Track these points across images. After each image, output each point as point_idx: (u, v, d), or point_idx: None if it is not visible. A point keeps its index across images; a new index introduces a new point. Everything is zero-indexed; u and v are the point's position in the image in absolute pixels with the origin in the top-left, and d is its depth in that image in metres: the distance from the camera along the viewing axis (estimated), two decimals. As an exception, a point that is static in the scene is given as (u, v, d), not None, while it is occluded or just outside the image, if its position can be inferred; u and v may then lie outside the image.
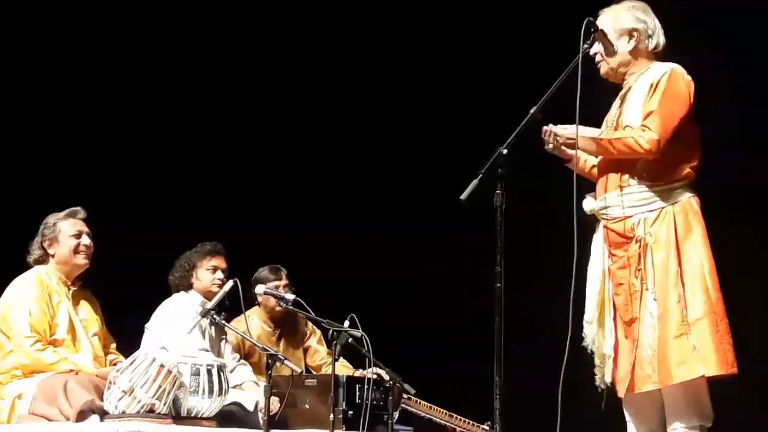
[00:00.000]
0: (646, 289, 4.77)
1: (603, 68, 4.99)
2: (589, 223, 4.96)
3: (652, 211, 4.82)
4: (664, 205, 4.83)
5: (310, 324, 6.61)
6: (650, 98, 4.83)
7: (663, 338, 4.73)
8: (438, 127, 7.62)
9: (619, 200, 4.86)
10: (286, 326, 6.60)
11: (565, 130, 4.84)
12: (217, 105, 7.76)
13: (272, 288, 6.33)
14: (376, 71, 7.68)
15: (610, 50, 4.88)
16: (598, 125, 5.08)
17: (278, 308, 6.41)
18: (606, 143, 4.84)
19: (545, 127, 4.84)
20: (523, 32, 7.21)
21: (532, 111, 4.52)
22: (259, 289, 6.12)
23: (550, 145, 4.89)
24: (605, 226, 4.92)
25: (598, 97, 5.15)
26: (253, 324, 6.35)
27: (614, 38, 4.89)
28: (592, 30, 4.73)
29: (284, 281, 6.51)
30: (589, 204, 4.97)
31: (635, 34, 4.94)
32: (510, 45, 7.31)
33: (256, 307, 6.55)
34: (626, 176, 4.85)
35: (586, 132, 4.88)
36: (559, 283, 4.76)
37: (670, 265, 4.77)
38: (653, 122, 4.77)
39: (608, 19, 4.94)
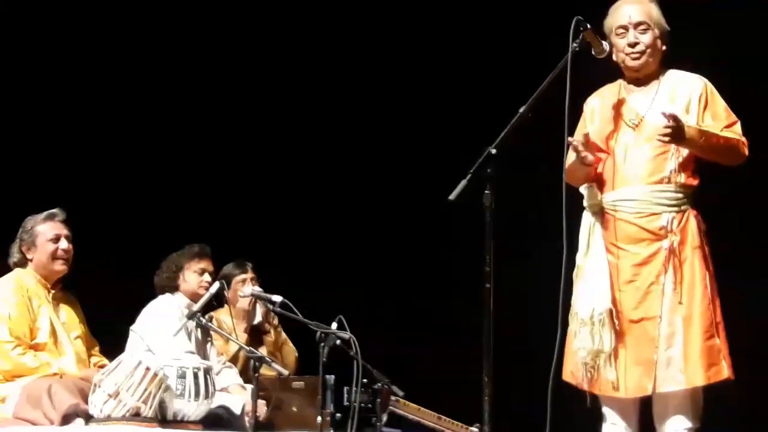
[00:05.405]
0: (673, 290, 4.78)
1: (641, 60, 4.91)
2: (577, 219, 4.92)
3: (678, 212, 4.85)
4: (687, 208, 4.87)
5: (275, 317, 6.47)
6: (711, 109, 4.84)
7: (692, 340, 4.75)
8: (426, 127, 7.58)
9: (649, 195, 4.85)
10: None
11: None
12: (201, 106, 7.71)
13: (240, 282, 6.28)
14: (362, 73, 7.64)
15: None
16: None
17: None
18: (714, 136, 4.78)
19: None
20: (512, 32, 7.18)
21: (521, 110, 4.49)
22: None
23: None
24: (623, 219, 4.86)
25: (587, 95, 5.12)
26: (228, 323, 6.24)
27: (660, 37, 4.90)
28: (581, 29, 4.69)
29: (250, 274, 6.40)
30: (594, 195, 4.91)
31: (667, 35, 4.97)
32: (499, 45, 7.28)
33: (225, 306, 6.41)
34: (663, 174, 4.84)
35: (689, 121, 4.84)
36: (548, 282, 4.73)
37: (697, 267, 4.81)
38: (741, 134, 4.85)
39: (655, 12, 4.92)
